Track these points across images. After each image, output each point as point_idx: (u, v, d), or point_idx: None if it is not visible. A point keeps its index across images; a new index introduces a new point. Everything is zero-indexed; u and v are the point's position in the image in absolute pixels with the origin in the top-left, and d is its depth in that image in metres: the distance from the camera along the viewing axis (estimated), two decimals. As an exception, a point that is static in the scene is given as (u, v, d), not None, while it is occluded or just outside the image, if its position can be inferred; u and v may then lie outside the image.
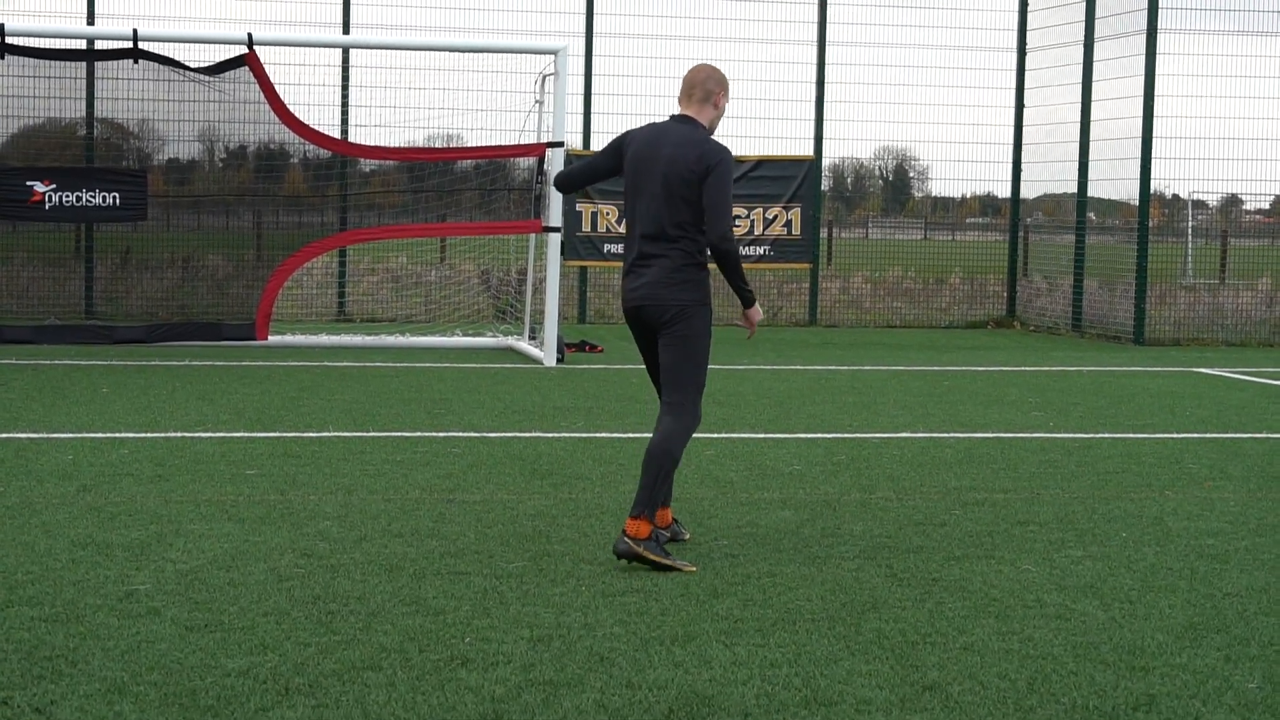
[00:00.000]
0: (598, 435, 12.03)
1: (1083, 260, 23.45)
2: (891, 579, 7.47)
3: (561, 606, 6.83)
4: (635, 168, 8.05)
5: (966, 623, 6.71)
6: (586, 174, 8.59)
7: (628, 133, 8.26)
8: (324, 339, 19.11)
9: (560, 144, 17.67)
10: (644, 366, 8.39)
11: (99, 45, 18.45)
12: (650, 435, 8.46)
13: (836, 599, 7.06)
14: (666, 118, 8.21)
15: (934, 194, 30.80)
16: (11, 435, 11.24)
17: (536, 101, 18.83)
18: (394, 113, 21.51)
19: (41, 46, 18.19)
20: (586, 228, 22.20)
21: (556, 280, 17.67)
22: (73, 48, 18.48)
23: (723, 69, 8.54)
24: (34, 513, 8.52)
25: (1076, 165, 23.37)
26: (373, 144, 20.40)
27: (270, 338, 18.37)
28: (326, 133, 19.53)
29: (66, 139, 20.68)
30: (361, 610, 6.67)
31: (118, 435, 11.40)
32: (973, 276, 26.23)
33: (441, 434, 11.81)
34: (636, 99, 23.35)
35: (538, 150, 18.15)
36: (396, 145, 20.94)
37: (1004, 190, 25.95)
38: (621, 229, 22.10)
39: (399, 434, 11.77)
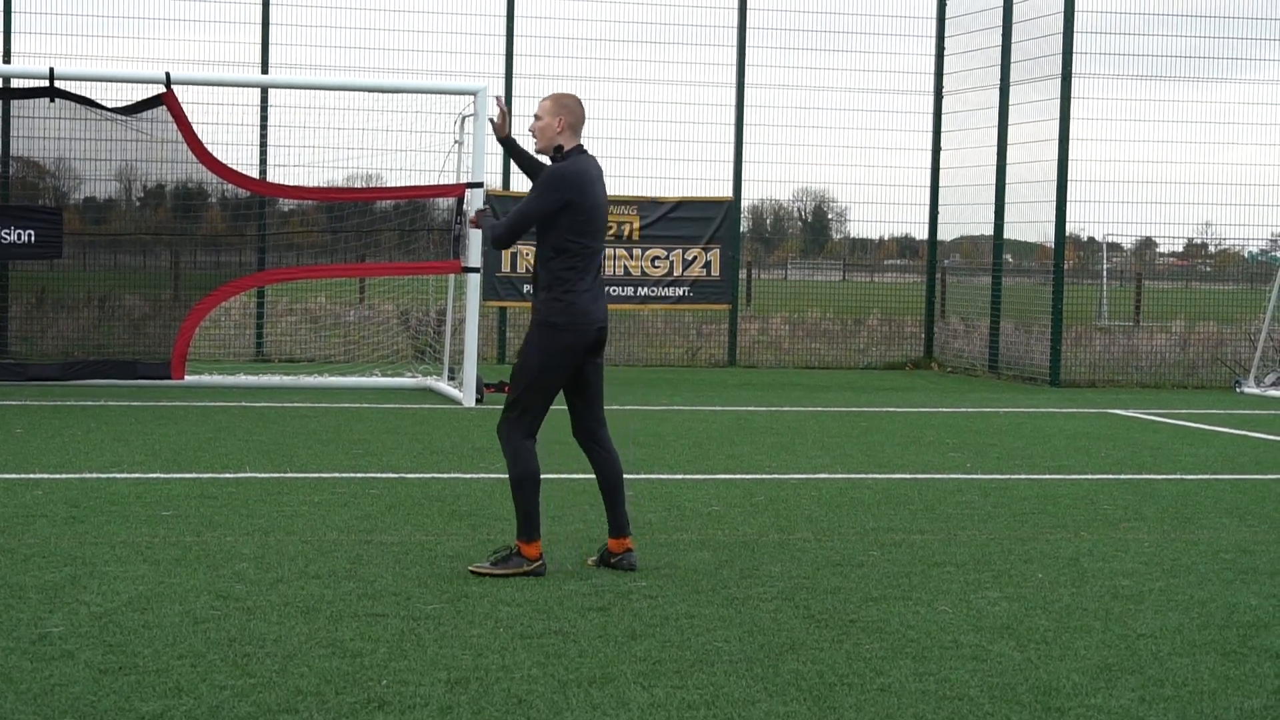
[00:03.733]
0: (517, 476, 11.99)
1: (999, 302, 23.66)
2: (809, 620, 7.49)
3: (479, 648, 6.82)
4: (598, 205, 8.57)
5: (884, 664, 6.74)
6: (524, 225, 8.62)
7: (577, 175, 8.50)
8: (242, 379, 19.01)
9: (480, 184, 17.67)
10: (551, 402, 8.65)
11: (15, 84, 18.34)
12: (595, 470, 8.67)
13: (754, 640, 7.08)
14: (580, 148, 8.67)
15: (852, 235, 31.03)
16: (-77, 476, 11.13)
17: (456, 142, 18.85)
18: (313, 152, 21.44)
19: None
20: (506, 268, 22.23)
21: (476, 320, 17.66)
22: (-12, 86, 18.37)
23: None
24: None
25: (993, 207, 23.59)
26: (292, 184, 20.32)
27: (187, 377, 18.23)
28: (245, 172, 19.46)
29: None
30: (278, 653, 6.63)
31: (31, 476, 11.29)
32: (891, 318, 26.39)
33: (360, 475, 11.77)
34: (556, 139, 23.37)
35: (457, 190, 18.15)
36: (315, 185, 20.86)
37: (921, 232, 26.14)
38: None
39: (317, 475, 11.72)
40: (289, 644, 6.78)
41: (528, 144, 9.08)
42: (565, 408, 8.73)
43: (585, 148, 8.64)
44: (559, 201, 8.38)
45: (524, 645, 6.88)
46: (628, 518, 8.62)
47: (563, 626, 7.24)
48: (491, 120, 9.17)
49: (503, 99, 9.50)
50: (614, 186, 23.07)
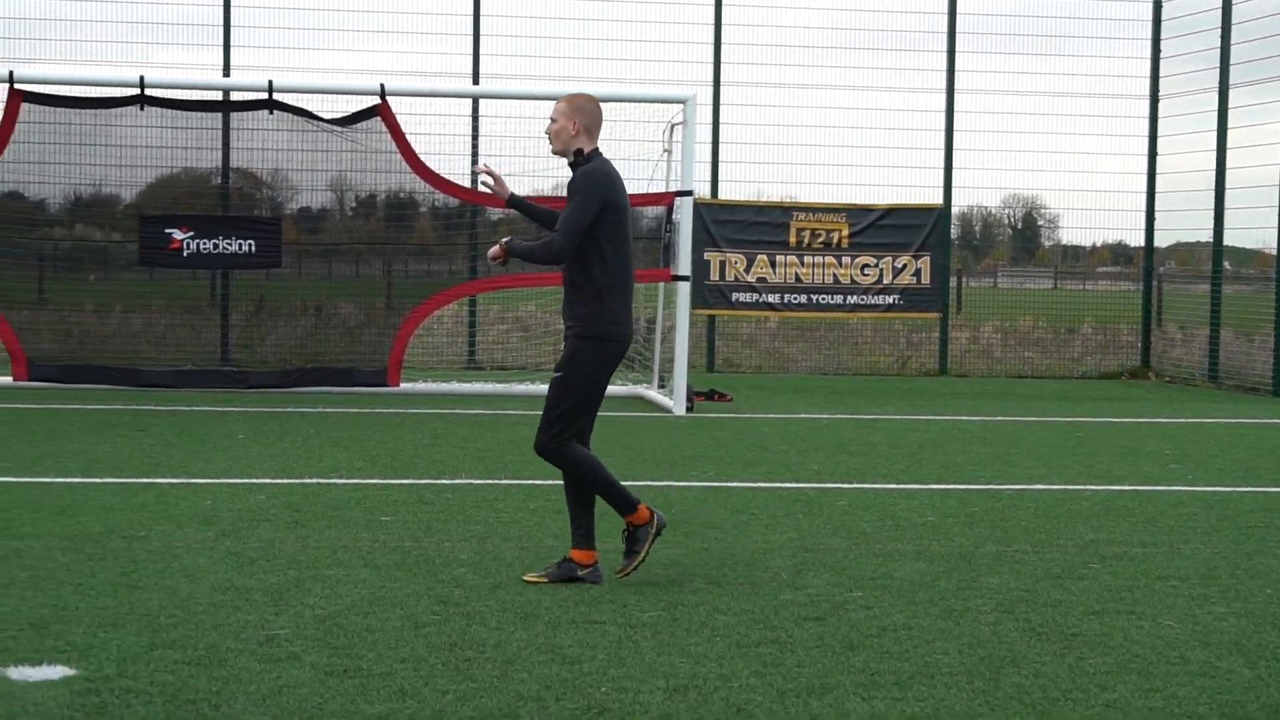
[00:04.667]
0: (729, 484, 12.01)
1: (1219, 310, 23.11)
2: (1030, 633, 7.37)
3: (697, 656, 6.81)
4: (628, 208, 8.45)
5: (1108, 679, 6.61)
6: (578, 233, 8.30)
7: (608, 176, 8.32)
8: (455, 386, 19.27)
9: (689, 192, 17.71)
10: (599, 408, 8.60)
11: (235, 96, 18.76)
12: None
13: (974, 653, 6.98)
14: (598, 151, 8.43)
15: (1064, 242, 30.53)
16: (152, 480, 11.41)
17: (664, 150, 18.90)
18: (523, 161, 21.66)
19: (179, 98, 18.52)
20: (715, 276, 22.25)
21: (686, 329, 17.68)
22: (209, 99, 18.80)
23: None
24: (175, 557, 8.63)
25: (1212, 213, 23.04)
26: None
27: (402, 384, 18.53)
28: (456, 182, 19.69)
29: (201, 188, 20.99)
30: (498, 658, 6.68)
31: (255, 481, 11.54)
32: (1105, 326, 25.93)
33: (573, 482, 11.82)
34: (763, 147, 23.40)
35: (666, 199, 18.21)
36: (525, 194, 21.04)
37: (1135, 238, 25.68)
38: (750, 277, 22.16)
39: (531, 481, 11.81)
40: (509, 649, 6.83)
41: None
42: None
43: (598, 147, 8.43)
44: (599, 203, 8.20)
45: (741, 654, 6.86)
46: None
47: (779, 636, 7.20)
48: (489, 187, 8.82)
49: (488, 164, 9.27)
50: (823, 194, 23.11)
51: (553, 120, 8.41)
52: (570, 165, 8.43)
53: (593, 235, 8.21)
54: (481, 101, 22.55)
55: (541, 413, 8.39)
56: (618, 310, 8.32)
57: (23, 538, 9.11)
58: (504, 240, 8.47)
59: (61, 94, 18.21)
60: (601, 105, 8.49)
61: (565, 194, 8.36)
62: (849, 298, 22.49)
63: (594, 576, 8.33)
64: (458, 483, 11.65)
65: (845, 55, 24.33)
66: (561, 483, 8.56)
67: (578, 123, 8.35)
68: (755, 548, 9.33)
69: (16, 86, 17.54)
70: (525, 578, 8.28)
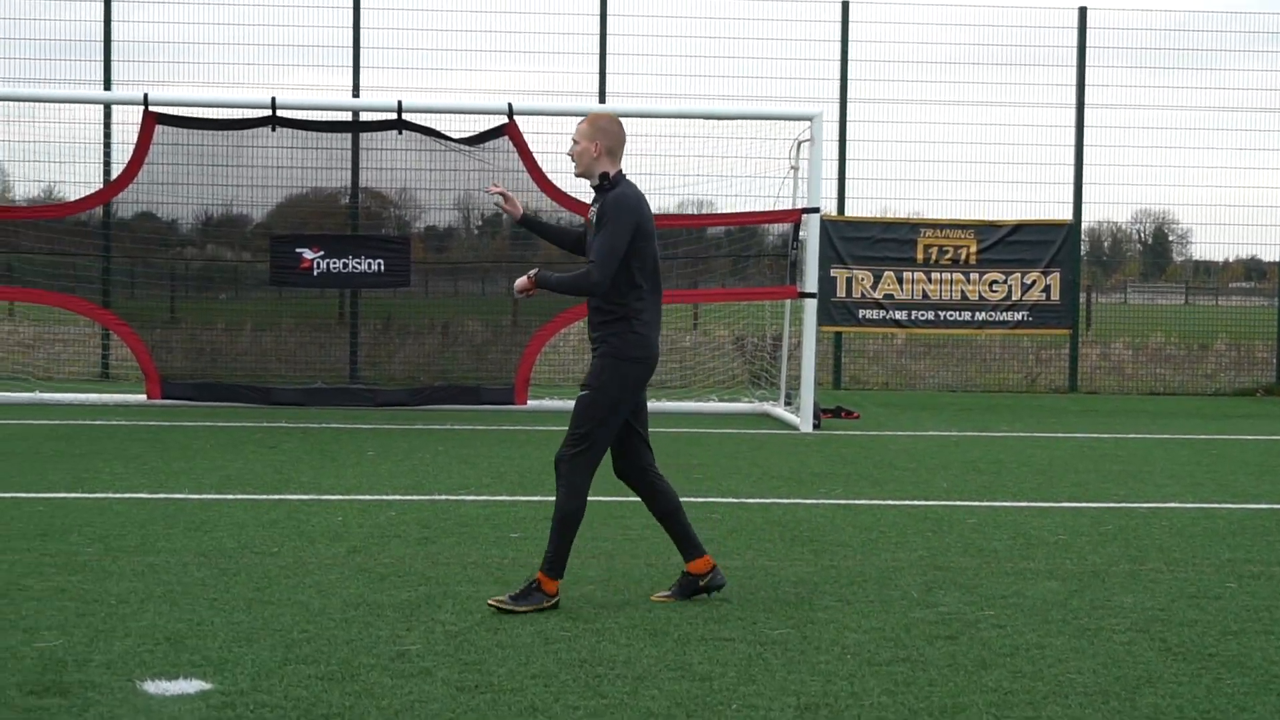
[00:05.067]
0: (857, 502, 11.95)
1: (1357, 326, 22.69)
2: (1166, 653, 7.26)
3: (828, 675, 6.77)
4: (654, 231, 8.30)
5: (1247, 700, 6.49)
6: (617, 258, 8.14)
7: (638, 199, 8.20)
8: (581, 404, 19.28)
9: (816, 209, 17.67)
10: (617, 432, 8.37)
11: (364, 117, 18.94)
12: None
13: (1109, 673, 6.89)
14: (624, 175, 8.31)
15: (1195, 258, 30.12)
16: (284, 496, 11.53)
17: (791, 168, 18.86)
18: (648, 179, 21.70)
19: (310, 119, 18.74)
20: (842, 293, 22.16)
21: (813, 346, 17.63)
22: (340, 120, 19.01)
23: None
24: (307, 573, 8.71)
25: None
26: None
27: (529, 402, 18.61)
28: (583, 200, 19.74)
29: (329, 207, 21.22)
30: (628, 674, 6.68)
31: (385, 497, 11.63)
32: (1239, 342, 25.54)
33: (700, 499, 11.82)
34: (890, 164, 23.29)
35: (793, 216, 18.18)
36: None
37: (1269, 254, 25.32)
38: (876, 294, 22.06)
39: (658, 499, 11.79)
40: (639, 666, 6.82)
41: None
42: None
43: (621, 169, 8.31)
44: (632, 229, 8.07)
45: (872, 672, 6.81)
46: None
47: (910, 654, 7.14)
48: (501, 209, 8.65)
49: (499, 184, 9.07)
50: (951, 210, 22.97)
51: (574, 142, 8.27)
52: (594, 188, 8.29)
53: (622, 260, 8.09)
54: (607, 120, 22.57)
55: (569, 427, 8.26)
56: (645, 332, 8.20)
57: (158, 553, 9.24)
58: (532, 273, 8.29)
59: (194, 116, 18.47)
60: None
61: (593, 220, 8.20)
62: (977, 314, 22.32)
63: (716, 580, 8.31)
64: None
65: (972, 71, 24.20)
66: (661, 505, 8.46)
67: (599, 144, 8.19)
68: (885, 565, 9.27)
69: (150, 109, 17.81)
70: (653, 597, 8.27)
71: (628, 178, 8.28)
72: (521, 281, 8.34)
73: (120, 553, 9.22)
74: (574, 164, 8.30)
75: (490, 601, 7.90)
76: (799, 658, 7.05)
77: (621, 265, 8.08)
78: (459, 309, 21.46)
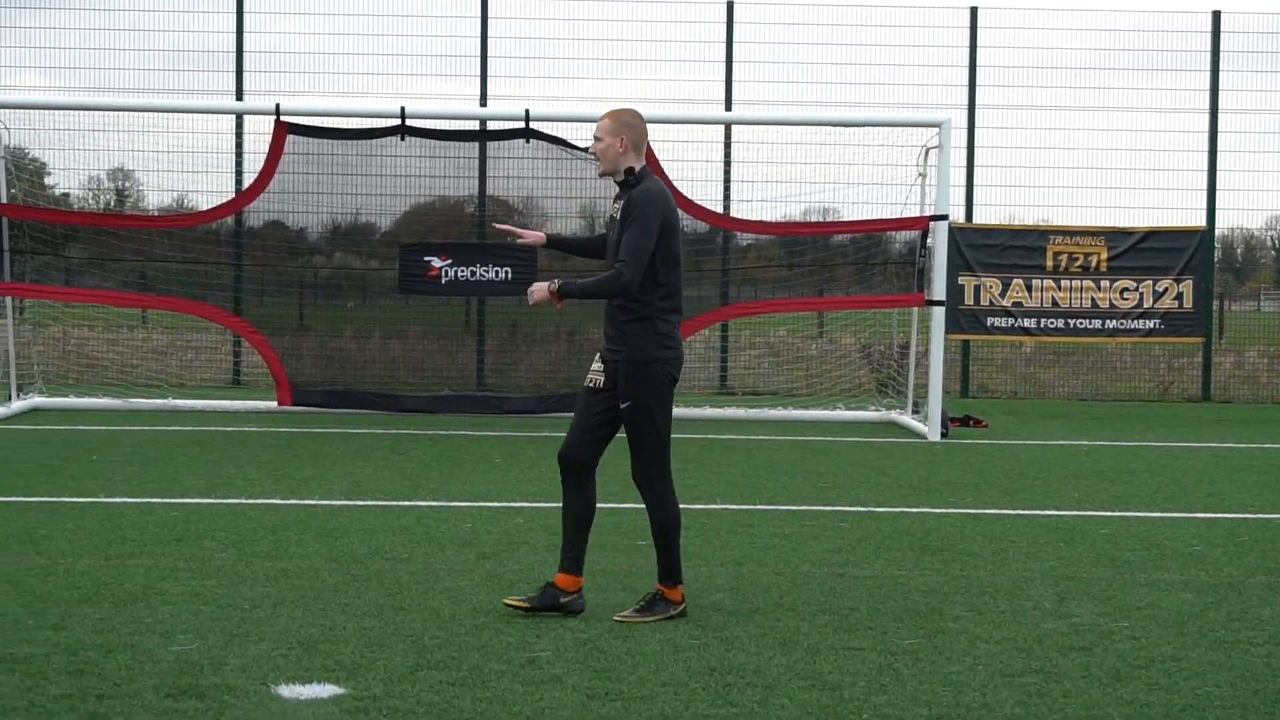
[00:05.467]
0: (987, 511, 11.84)
1: None
2: (1307, 667, 7.14)
3: (959, 685, 6.71)
4: (679, 230, 8.16)
5: (1392, 715, 6.37)
6: (646, 256, 8.00)
7: (665, 195, 8.03)
8: (707, 411, 19.30)
9: (944, 217, 17.54)
10: (601, 418, 8.22)
11: (491, 126, 19.03)
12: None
13: (1247, 686, 6.78)
14: (648, 169, 8.17)
15: (1331, 264, 29.60)
16: (413, 503, 11.61)
17: (919, 175, 18.74)
18: (771, 187, 21.65)
19: (438, 128, 18.85)
20: (970, 301, 21.98)
21: (941, 354, 17.50)
22: (467, 129, 19.11)
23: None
24: (437, 579, 8.76)
25: None
26: (754, 219, 20.51)
27: (654, 410, 18.58)
28: (708, 208, 19.72)
29: (455, 216, 21.33)
30: (758, 683, 6.66)
31: (513, 505, 11.68)
32: (1381, 350, 25.05)
33: (828, 507, 11.77)
34: (1019, 170, 23.09)
35: (920, 224, 18.06)
36: (775, 220, 21.06)
37: None
38: (1005, 301, 21.86)
39: (786, 507, 11.78)
40: (769, 675, 6.80)
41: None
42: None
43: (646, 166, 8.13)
44: (661, 222, 7.92)
45: (1005, 683, 6.74)
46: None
47: (1044, 665, 7.07)
48: (517, 239, 8.64)
49: (502, 225, 8.90)
50: (1080, 216, 22.74)
51: (597, 139, 8.09)
52: (619, 184, 8.12)
53: (652, 256, 7.95)
54: (734, 128, 22.59)
55: (630, 446, 8.06)
56: (670, 331, 8.04)
57: (291, 558, 9.33)
58: (553, 284, 8.04)
59: (324, 125, 18.64)
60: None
61: (617, 217, 8.02)
62: (1108, 322, 22.05)
63: (576, 605, 8.00)
64: (712, 508, 11.65)
65: (1103, 76, 23.90)
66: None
67: (625, 139, 8.02)
68: (1016, 576, 9.18)
69: (282, 119, 18.01)
70: (616, 617, 7.87)
71: (650, 173, 8.13)
72: (540, 292, 8.07)
73: (253, 558, 9.33)
74: (598, 161, 8.13)
75: (617, 617, 7.84)
76: (930, 668, 7.00)
77: (651, 261, 7.93)
78: (583, 316, 21.47)
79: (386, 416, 18.18)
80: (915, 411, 18.57)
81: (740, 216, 20.93)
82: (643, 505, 8.12)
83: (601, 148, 8.08)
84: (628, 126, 8.04)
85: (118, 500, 11.56)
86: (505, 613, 7.90)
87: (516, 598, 8.07)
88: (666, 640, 7.38)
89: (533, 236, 8.61)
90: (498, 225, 8.68)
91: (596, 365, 8.19)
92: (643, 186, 7.99)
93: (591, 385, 8.18)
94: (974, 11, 23.32)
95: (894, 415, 18.89)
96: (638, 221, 7.89)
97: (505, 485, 12.72)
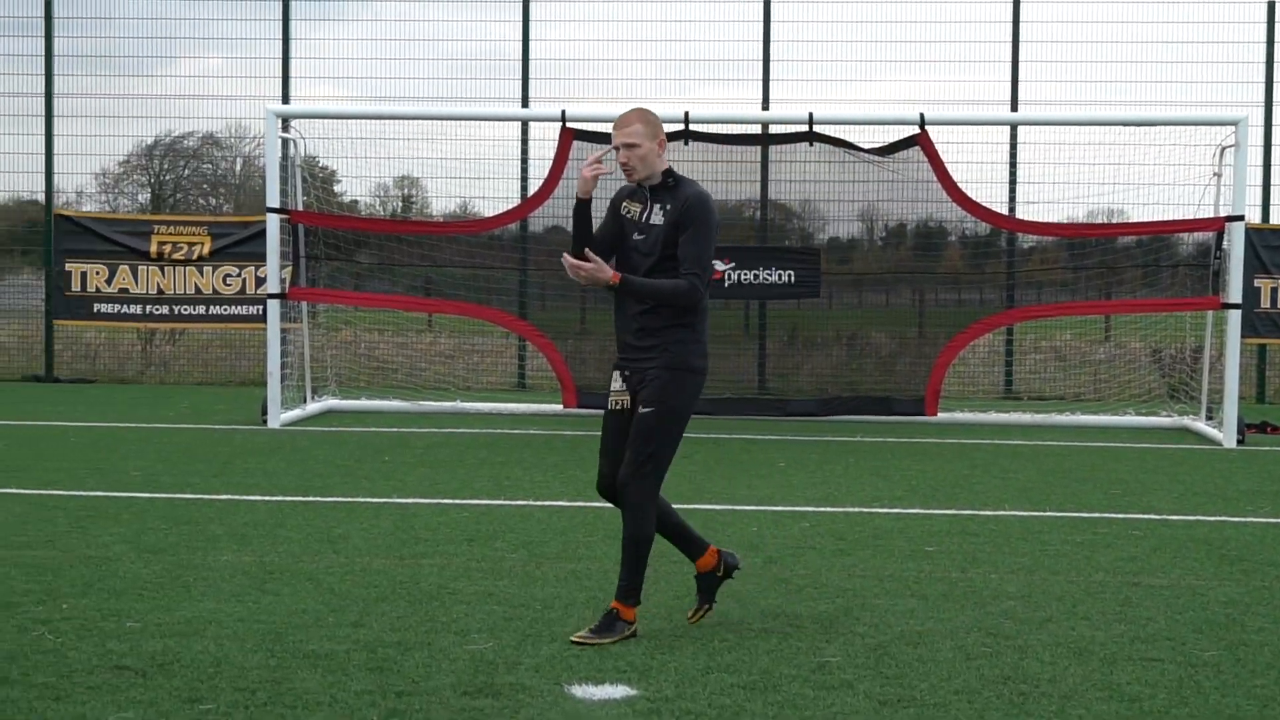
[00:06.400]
0: (1288, 521, 11.47)
1: None
2: None
3: (1264, 700, 6.50)
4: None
5: None
6: (709, 262, 7.62)
7: (710, 197, 7.61)
8: (992, 416, 19.05)
9: (1240, 218, 17.04)
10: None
11: (774, 129, 19.02)
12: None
13: None
14: (669, 165, 7.72)
15: None
16: (698, 506, 11.65)
17: (1214, 174, 18.23)
18: (1058, 188, 21.27)
19: (721, 133, 18.91)
20: (1266, 304, 21.40)
21: (1236, 358, 17.02)
22: (750, 133, 19.13)
23: None
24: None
25: None
26: (1040, 220, 20.17)
27: (939, 414, 18.42)
28: (993, 209, 19.44)
29: (733, 219, 21.38)
30: (1053, 693, 6.53)
31: (798, 509, 11.64)
32: None
33: (1120, 515, 11.51)
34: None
35: (1215, 225, 17.58)
36: (1060, 221, 20.70)
37: None
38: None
39: (1076, 514, 11.55)
40: (1064, 685, 6.67)
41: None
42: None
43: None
44: (717, 228, 7.56)
45: (1313, 699, 6.53)
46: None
47: (1354, 682, 6.82)
48: (587, 277, 7.50)
49: (570, 259, 7.59)
50: None
51: (634, 145, 7.54)
52: (654, 187, 7.62)
53: None
54: (1020, 129, 22.27)
55: (630, 447, 7.49)
56: (705, 340, 7.66)
57: (580, 560, 9.43)
58: (615, 277, 7.45)
59: (610, 132, 18.79)
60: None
61: (650, 220, 7.58)
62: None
63: (732, 560, 7.95)
64: (1001, 514, 11.48)
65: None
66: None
67: (662, 139, 7.59)
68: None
69: (568, 125, 18.22)
70: (573, 638, 7.37)
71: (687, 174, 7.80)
72: (598, 272, 7.42)
73: (543, 559, 9.45)
74: (636, 169, 7.59)
75: (574, 639, 7.31)
76: (1233, 681, 6.79)
77: None
78: (864, 320, 21.35)
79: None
80: (1209, 417, 18.07)
81: (1025, 218, 20.58)
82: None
83: (641, 154, 7.56)
84: (657, 126, 7.60)
85: (410, 500, 11.82)
86: (793, 616, 7.87)
87: (692, 610, 7.83)
88: (958, 648, 7.29)
89: (603, 272, 7.49)
90: (570, 261, 7.53)
91: (617, 385, 7.68)
92: (694, 190, 7.55)
93: (617, 408, 7.67)
94: (1271, 6, 22.63)
95: (1187, 421, 18.42)
96: (699, 229, 7.47)
97: (790, 489, 12.69)
